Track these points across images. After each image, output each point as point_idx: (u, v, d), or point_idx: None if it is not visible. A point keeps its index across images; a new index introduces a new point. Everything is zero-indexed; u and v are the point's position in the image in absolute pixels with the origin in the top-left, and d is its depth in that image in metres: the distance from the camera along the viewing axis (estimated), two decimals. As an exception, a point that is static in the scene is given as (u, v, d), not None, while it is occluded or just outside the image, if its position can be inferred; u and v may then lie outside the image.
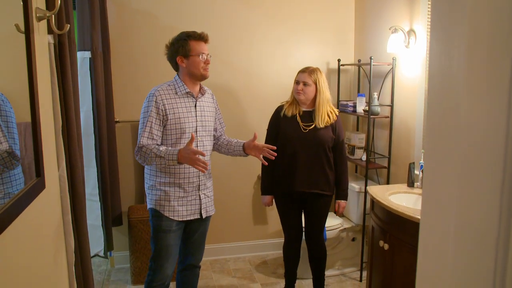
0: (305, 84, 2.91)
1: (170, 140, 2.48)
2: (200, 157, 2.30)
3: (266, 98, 4.00)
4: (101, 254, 3.29)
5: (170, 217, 2.51)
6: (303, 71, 2.95)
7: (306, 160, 2.95)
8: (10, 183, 1.33)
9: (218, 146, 2.82)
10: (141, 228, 3.52)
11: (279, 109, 3.09)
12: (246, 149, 2.69)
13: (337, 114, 3.02)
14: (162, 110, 2.43)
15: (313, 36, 4.04)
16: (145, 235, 3.52)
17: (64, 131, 1.92)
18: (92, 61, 2.95)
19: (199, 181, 2.58)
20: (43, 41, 1.78)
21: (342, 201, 3.09)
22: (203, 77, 2.55)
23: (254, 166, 4.05)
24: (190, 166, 2.43)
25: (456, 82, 0.76)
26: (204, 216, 2.63)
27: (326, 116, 2.93)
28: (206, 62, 2.52)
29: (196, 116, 2.53)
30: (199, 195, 2.60)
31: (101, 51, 3.20)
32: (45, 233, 1.70)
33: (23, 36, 1.53)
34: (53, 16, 1.71)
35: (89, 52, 2.93)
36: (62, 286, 1.91)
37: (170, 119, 2.45)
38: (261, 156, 2.62)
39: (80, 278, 2.04)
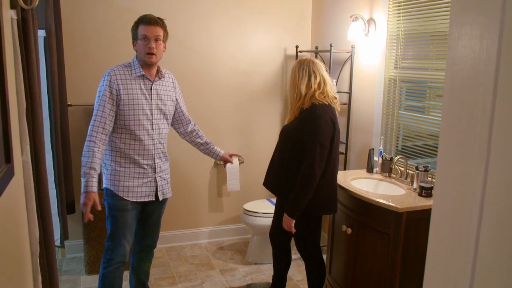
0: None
1: (123, 121, 2.49)
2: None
3: (220, 83, 3.95)
4: (57, 243, 3.15)
5: (124, 197, 2.55)
6: None
7: (273, 158, 2.74)
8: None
9: (187, 134, 2.90)
10: (96, 215, 3.37)
11: None
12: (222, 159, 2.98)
13: (314, 106, 2.48)
14: (116, 89, 2.45)
15: (271, 20, 4.02)
16: (100, 223, 3.40)
17: (28, 113, 1.79)
18: (47, 40, 2.77)
19: (154, 163, 2.62)
20: (6, 17, 1.65)
21: (285, 214, 2.54)
22: (145, 63, 2.52)
23: (211, 152, 4.01)
24: (145, 147, 2.54)
25: (485, 70, 0.75)
26: (160, 199, 2.69)
27: (296, 111, 2.56)
28: (147, 46, 2.46)
29: (151, 99, 2.56)
30: (155, 177, 2.64)
31: (54, 30, 3.02)
32: (10, 223, 1.59)
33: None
34: (19, -11, 1.58)
35: (44, 30, 2.75)
36: (25, 279, 1.80)
37: (124, 99, 2.47)
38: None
39: (44, 269, 1.93)
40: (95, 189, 2.37)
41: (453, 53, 0.87)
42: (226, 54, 3.95)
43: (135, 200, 2.58)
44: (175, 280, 3.46)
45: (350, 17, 3.34)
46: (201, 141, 2.92)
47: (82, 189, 2.36)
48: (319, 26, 4.04)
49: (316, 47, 3.97)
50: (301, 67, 2.56)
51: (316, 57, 4.02)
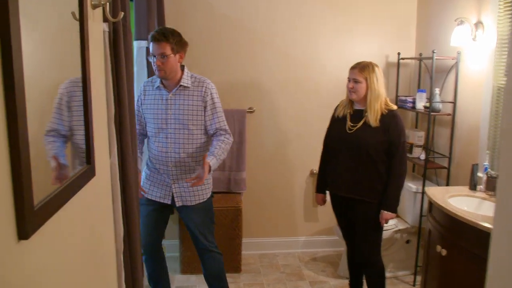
0: (355, 81, 2.68)
1: (143, 127, 2.79)
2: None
3: (321, 92, 3.91)
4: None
5: (141, 191, 2.74)
6: (354, 67, 2.73)
7: (348, 163, 2.75)
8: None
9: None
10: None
11: (335, 108, 2.94)
12: None
13: (393, 111, 2.68)
14: (140, 99, 2.75)
15: (372, 27, 3.89)
16: (195, 225, 3.53)
17: (116, 118, 1.92)
18: (148, 50, 2.96)
19: (168, 170, 2.70)
20: (98, 29, 1.78)
21: (385, 212, 2.67)
22: (159, 78, 2.64)
23: (307, 160, 3.98)
24: (159, 154, 2.69)
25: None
26: (178, 205, 2.76)
27: (379, 115, 2.65)
28: (155, 64, 2.56)
29: (166, 110, 2.65)
30: (171, 184, 2.74)
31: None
32: (94, 220, 1.71)
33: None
34: (107, 3, 1.70)
35: (146, 41, 2.95)
36: (109, 274, 1.92)
37: (144, 109, 2.74)
38: None
39: (128, 266, 2.05)
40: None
41: None
42: (327, 62, 3.89)
43: (148, 197, 2.78)
44: None
45: (455, 20, 3.10)
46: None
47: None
48: (424, 32, 3.81)
49: (420, 54, 3.74)
50: (376, 69, 2.69)
51: (420, 65, 3.79)
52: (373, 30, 3.89)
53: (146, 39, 2.94)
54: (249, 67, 3.82)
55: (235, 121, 3.76)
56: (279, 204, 4.07)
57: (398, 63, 3.87)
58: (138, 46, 3.00)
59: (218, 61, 3.75)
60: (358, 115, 2.75)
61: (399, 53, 3.84)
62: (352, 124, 2.74)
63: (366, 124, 2.68)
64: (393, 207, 2.69)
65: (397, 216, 3.72)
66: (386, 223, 2.74)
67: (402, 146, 2.67)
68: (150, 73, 3.02)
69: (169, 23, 3.55)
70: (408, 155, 3.57)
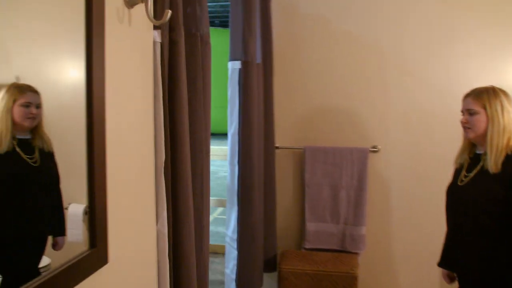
0: (470, 112, 1.99)
1: None
2: None
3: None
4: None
5: None
6: (468, 94, 2.08)
7: (456, 229, 2.07)
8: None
9: None
10: (293, 281, 2.85)
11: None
12: None
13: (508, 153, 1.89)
14: None
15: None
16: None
17: (167, 167, 1.34)
18: (242, 72, 2.41)
19: None
20: (142, 38, 1.23)
21: None
22: None
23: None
24: None
25: None
26: None
27: (502, 156, 1.87)
28: None
29: None
30: None
31: (260, 62, 2.68)
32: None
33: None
34: (149, 0, 1.14)
35: (240, 62, 2.41)
36: None
37: None
38: None
39: None
40: None
41: None
42: (470, 87, 3.00)
43: None
44: None
45: None
46: None
47: None
48: None
49: None
50: (500, 95, 1.96)
51: None
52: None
53: (241, 59, 2.40)
54: (375, 96, 3.09)
55: (354, 162, 3.05)
56: (407, 269, 3.20)
57: None
58: (232, 68, 2.46)
59: (336, 88, 3.10)
60: (477, 161, 2.00)
61: None
62: (466, 174, 2.02)
63: (483, 171, 1.92)
64: None
65: None
66: None
67: None
68: (243, 101, 2.46)
69: (278, 42, 3.01)
70: None
